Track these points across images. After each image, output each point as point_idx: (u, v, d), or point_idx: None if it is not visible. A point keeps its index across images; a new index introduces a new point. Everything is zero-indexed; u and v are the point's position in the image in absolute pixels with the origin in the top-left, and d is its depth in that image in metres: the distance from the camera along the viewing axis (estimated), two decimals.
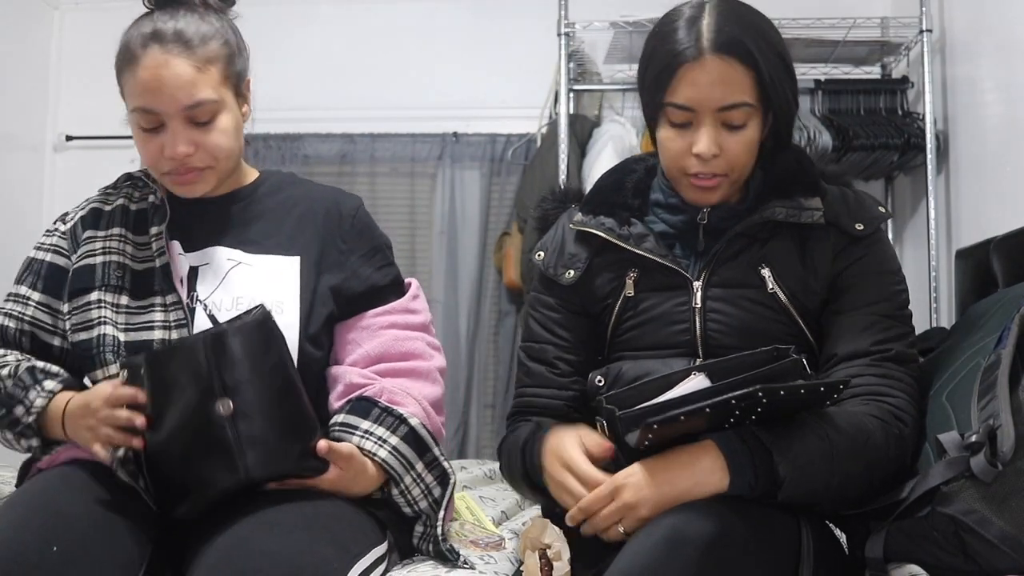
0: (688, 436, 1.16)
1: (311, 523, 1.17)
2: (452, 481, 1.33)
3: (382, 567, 1.25)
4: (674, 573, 1.01)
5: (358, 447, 1.29)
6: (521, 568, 1.22)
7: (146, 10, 1.39)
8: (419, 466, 1.32)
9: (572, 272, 1.40)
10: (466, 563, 1.30)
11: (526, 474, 1.31)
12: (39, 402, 1.31)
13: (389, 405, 1.34)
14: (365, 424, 1.32)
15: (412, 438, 1.32)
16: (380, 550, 1.26)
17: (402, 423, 1.33)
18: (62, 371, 1.37)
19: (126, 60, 1.35)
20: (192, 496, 1.20)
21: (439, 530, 1.31)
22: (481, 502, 1.74)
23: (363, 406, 1.35)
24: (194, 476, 1.19)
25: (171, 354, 1.24)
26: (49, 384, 1.32)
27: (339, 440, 1.30)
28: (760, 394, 1.07)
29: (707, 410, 1.09)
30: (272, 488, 1.23)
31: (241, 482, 1.18)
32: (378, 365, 1.41)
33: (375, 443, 1.30)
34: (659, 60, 1.28)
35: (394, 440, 1.31)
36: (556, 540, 1.19)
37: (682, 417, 1.09)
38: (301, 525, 1.16)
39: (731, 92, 1.25)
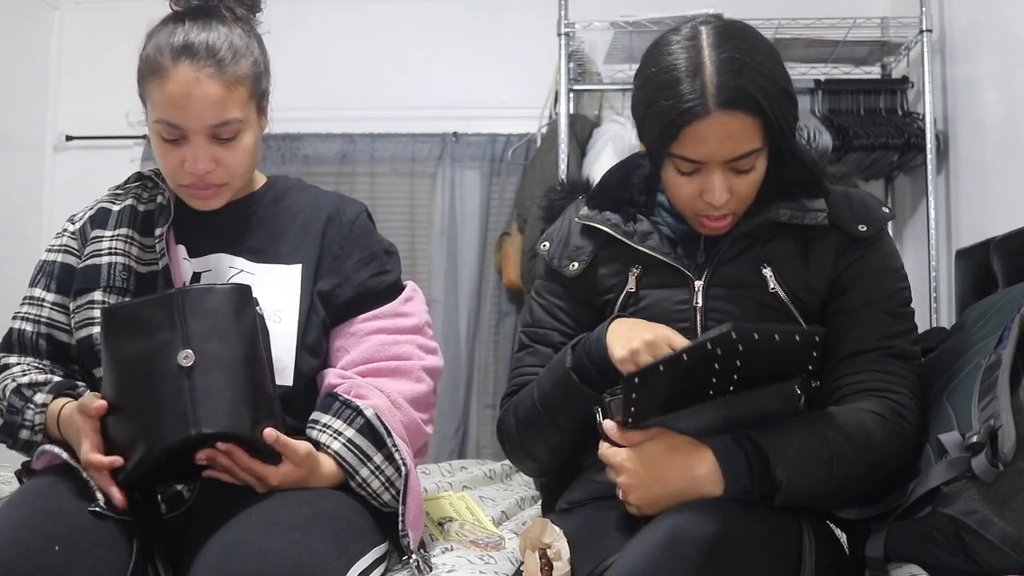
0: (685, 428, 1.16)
1: (310, 523, 1.17)
2: (405, 473, 1.30)
3: (382, 567, 1.25)
4: (675, 573, 1.01)
5: (315, 440, 1.30)
6: (521, 568, 1.22)
7: (171, 11, 1.37)
8: (377, 458, 1.31)
9: (576, 265, 1.40)
10: (420, 560, 1.27)
11: (565, 383, 1.28)
12: (38, 419, 1.32)
13: (349, 398, 1.34)
14: (325, 418, 1.33)
15: (368, 430, 1.31)
16: (380, 550, 1.26)
17: (359, 415, 1.32)
18: (50, 377, 1.37)
19: (153, 69, 1.33)
20: (142, 451, 1.17)
21: (400, 524, 1.28)
22: (481, 502, 1.74)
23: (326, 402, 1.36)
24: (145, 428, 1.18)
25: (140, 305, 1.25)
26: (39, 398, 1.33)
27: (307, 436, 1.31)
28: (733, 335, 1.07)
29: (684, 357, 1.09)
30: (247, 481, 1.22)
31: (191, 437, 1.17)
32: (361, 367, 1.40)
33: (330, 436, 1.30)
34: (662, 114, 1.23)
35: (350, 432, 1.31)
36: (556, 540, 1.19)
37: (661, 368, 1.09)
38: (300, 525, 1.16)
39: (740, 145, 1.22)
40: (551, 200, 1.53)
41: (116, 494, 1.18)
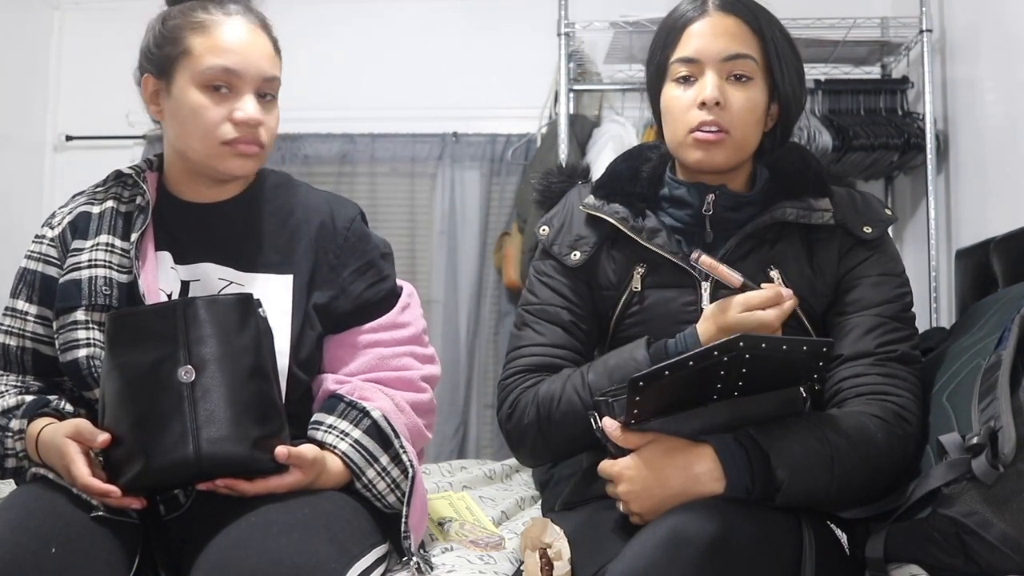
0: (685, 433, 1.16)
1: (310, 523, 1.17)
2: (411, 475, 1.30)
3: (382, 568, 1.25)
4: (676, 573, 1.01)
5: (320, 442, 1.29)
6: (521, 568, 1.22)
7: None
8: (384, 459, 1.30)
9: (579, 254, 1.39)
10: (419, 562, 1.27)
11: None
12: (19, 446, 1.29)
13: (354, 399, 1.33)
14: (330, 419, 1.32)
15: (375, 431, 1.31)
16: (380, 551, 1.26)
17: (365, 416, 1.31)
18: (22, 398, 1.33)
19: (195, 26, 1.33)
20: (139, 465, 1.16)
21: (402, 525, 1.28)
22: (481, 502, 1.74)
23: (331, 403, 1.35)
24: (144, 442, 1.17)
25: (144, 314, 1.23)
26: (15, 424, 1.30)
27: (311, 437, 1.30)
28: (741, 343, 1.07)
29: (690, 363, 1.08)
30: (241, 489, 1.20)
31: (190, 459, 1.16)
32: (359, 377, 1.39)
33: (337, 436, 1.29)
34: (666, 28, 1.36)
35: (356, 433, 1.30)
36: (557, 539, 1.19)
37: (666, 372, 1.08)
38: (300, 525, 1.16)
39: (735, 43, 1.30)
40: (549, 184, 1.51)
41: (115, 491, 1.17)
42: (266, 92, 1.37)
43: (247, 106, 1.33)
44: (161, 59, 1.35)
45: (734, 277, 1.22)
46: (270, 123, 1.37)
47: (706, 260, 1.23)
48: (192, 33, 1.33)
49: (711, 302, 1.29)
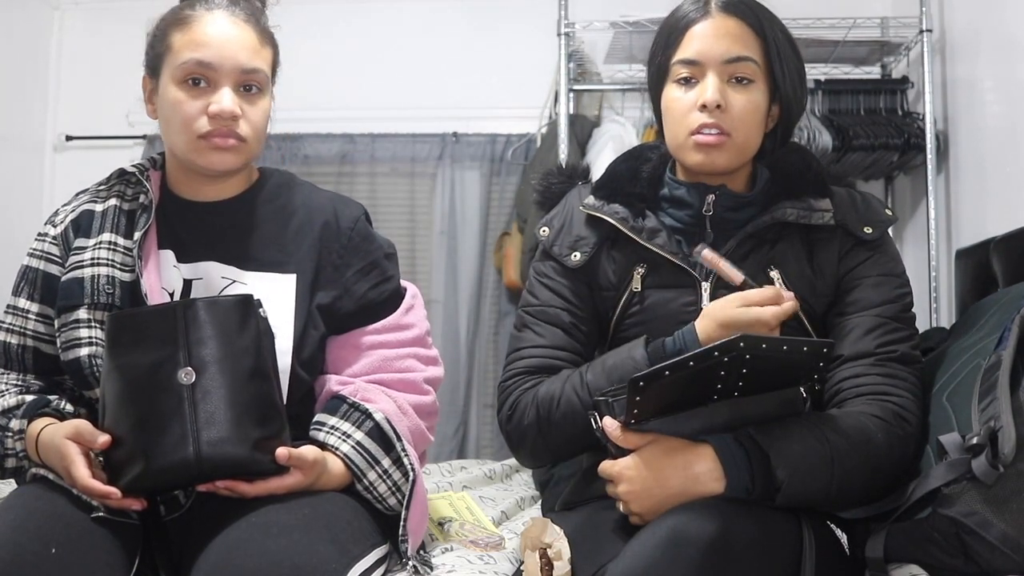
0: (686, 434, 1.16)
1: (310, 524, 1.17)
2: (412, 478, 1.30)
3: (382, 568, 1.25)
4: (676, 573, 1.01)
5: (322, 443, 1.29)
6: (521, 568, 1.22)
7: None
8: (385, 462, 1.30)
9: (579, 255, 1.39)
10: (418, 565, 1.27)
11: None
12: (19, 446, 1.29)
13: (357, 401, 1.33)
14: (332, 420, 1.32)
15: (377, 433, 1.31)
16: (380, 552, 1.25)
17: (368, 418, 1.31)
18: (22, 398, 1.33)
19: (178, 22, 1.34)
20: (139, 467, 1.16)
21: (400, 528, 1.28)
22: (481, 502, 1.74)
23: (334, 404, 1.34)
24: (144, 444, 1.16)
25: (144, 315, 1.23)
26: (15, 424, 1.30)
27: (313, 438, 1.30)
28: (741, 344, 1.07)
29: (690, 363, 1.08)
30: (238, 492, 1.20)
31: (190, 461, 1.15)
32: (363, 379, 1.39)
33: (339, 438, 1.29)
34: (667, 28, 1.36)
35: (359, 435, 1.30)
36: (557, 539, 1.19)
37: (667, 372, 1.08)
38: (300, 526, 1.16)
39: (737, 45, 1.30)
40: (549, 184, 1.51)
41: (115, 492, 1.17)
42: (250, 84, 1.35)
43: (222, 99, 1.32)
44: (152, 58, 1.37)
45: (735, 273, 1.22)
46: (253, 116, 1.35)
47: (708, 254, 1.23)
48: (174, 30, 1.34)
49: (711, 302, 1.29)
